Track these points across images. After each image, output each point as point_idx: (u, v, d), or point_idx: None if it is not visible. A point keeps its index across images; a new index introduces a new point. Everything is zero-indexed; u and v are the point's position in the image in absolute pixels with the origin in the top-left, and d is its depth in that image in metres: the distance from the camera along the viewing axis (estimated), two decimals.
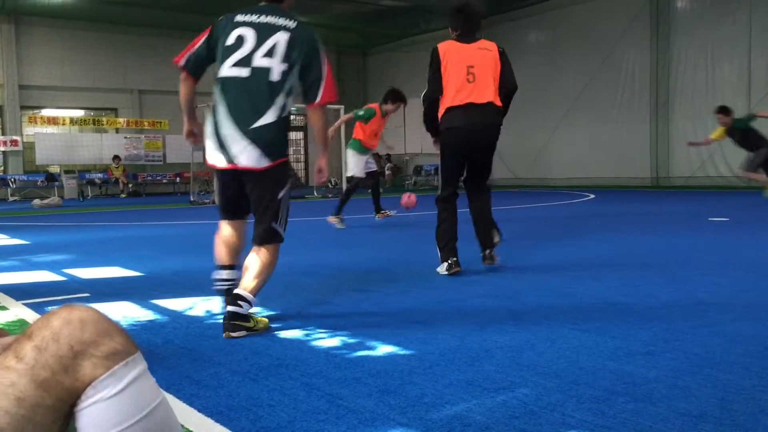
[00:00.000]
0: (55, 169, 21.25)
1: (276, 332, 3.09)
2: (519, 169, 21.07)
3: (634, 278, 4.30)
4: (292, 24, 3.23)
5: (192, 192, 16.30)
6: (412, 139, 24.72)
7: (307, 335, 3.03)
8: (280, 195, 3.23)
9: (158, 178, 22.39)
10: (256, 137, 3.12)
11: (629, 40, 17.78)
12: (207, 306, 3.73)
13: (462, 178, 4.89)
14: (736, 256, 5.29)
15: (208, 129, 3.27)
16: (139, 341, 2.94)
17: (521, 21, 20.75)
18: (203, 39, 3.31)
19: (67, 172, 20.87)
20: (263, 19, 3.23)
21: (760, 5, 15.31)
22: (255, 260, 3.22)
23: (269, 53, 3.16)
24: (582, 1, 18.75)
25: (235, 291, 3.15)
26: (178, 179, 22.10)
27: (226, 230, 3.46)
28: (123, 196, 20.53)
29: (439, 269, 4.66)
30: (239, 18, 3.26)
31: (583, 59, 18.88)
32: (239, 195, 3.30)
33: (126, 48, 21.84)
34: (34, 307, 3.79)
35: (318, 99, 3.24)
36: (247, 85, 3.15)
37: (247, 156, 3.13)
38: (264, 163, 3.15)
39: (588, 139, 18.89)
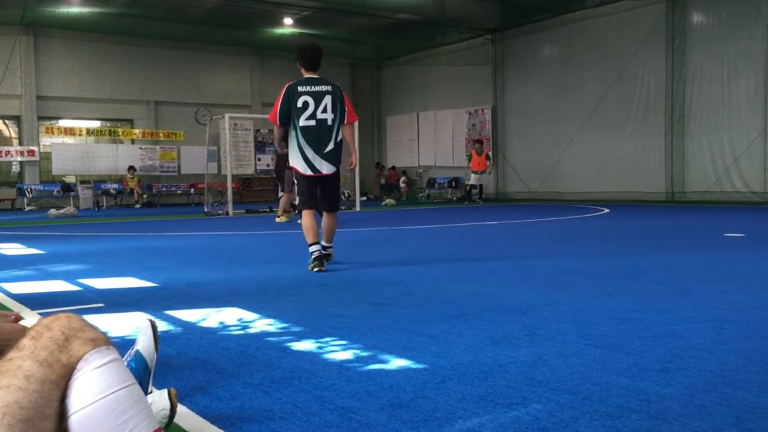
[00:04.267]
0: (71, 180, 21.43)
1: (288, 344, 3.10)
2: (532, 183, 21.03)
3: (649, 294, 4.27)
4: (330, 88, 5.78)
5: (206, 203, 16.37)
6: (425, 153, 24.76)
7: (320, 348, 3.03)
8: (340, 184, 6.12)
9: (173, 188, 22.53)
10: (328, 157, 5.77)
11: (644, 54, 17.74)
12: (220, 317, 3.74)
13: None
14: (752, 272, 5.24)
15: (296, 152, 5.75)
16: None
17: (536, 35, 20.77)
18: (282, 102, 5.69)
19: (82, 182, 21.04)
20: (314, 88, 5.73)
21: None
22: (329, 223, 5.99)
23: (324, 110, 5.71)
24: (597, 15, 18.75)
25: (323, 243, 5.81)
26: (192, 190, 22.22)
27: (308, 218, 5.79)
28: (138, 206, 20.66)
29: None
30: (300, 89, 5.71)
31: (598, 73, 18.86)
32: (315, 191, 5.87)
33: (143, 60, 22.06)
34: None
35: (345, 121, 5.88)
36: (316, 130, 5.71)
37: (326, 167, 5.78)
38: (333, 170, 5.85)
39: (602, 152, 18.84)
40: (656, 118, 17.70)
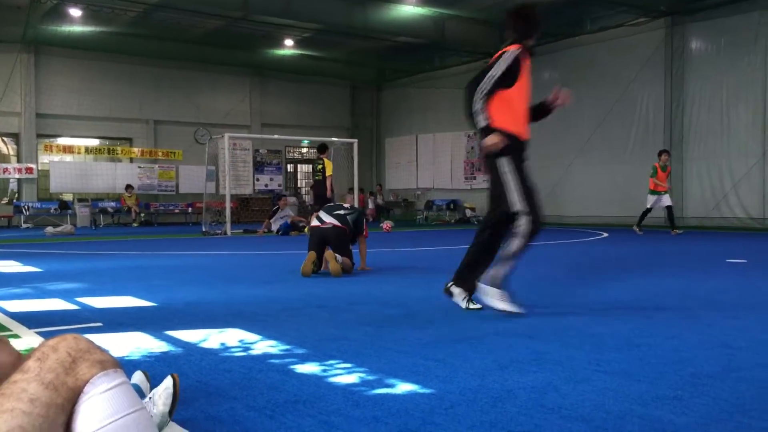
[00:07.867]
0: (68, 197, 21.36)
1: (292, 367, 3.03)
2: None
3: (657, 319, 4.22)
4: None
5: (204, 222, 16.31)
6: (424, 175, 24.77)
7: (324, 371, 2.96)
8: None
9: (170, 207, 22.46)
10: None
11: (644, 79, 17.81)
12: (221, 338, 3.68)
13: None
14: (757, 298, 5.19)
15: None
16: (153, 373, 2.90)
17: (535, 58, 20.70)
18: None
19: (80, 200, 20.97)
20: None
21: None
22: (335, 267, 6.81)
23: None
24: (596, 40, 18.84)
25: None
26: (190, 209, 22.15)
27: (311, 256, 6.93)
28: (135, 225, 20.57)
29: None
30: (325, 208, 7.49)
31: (597, 97, 18.91)
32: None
33: (143, 79, 22.10)
34: (47, 335, 3.74)
35: (363, 233, 7.39)
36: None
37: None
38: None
39: (601, 177, 18.84)
40: (655, 143, 17.71)
